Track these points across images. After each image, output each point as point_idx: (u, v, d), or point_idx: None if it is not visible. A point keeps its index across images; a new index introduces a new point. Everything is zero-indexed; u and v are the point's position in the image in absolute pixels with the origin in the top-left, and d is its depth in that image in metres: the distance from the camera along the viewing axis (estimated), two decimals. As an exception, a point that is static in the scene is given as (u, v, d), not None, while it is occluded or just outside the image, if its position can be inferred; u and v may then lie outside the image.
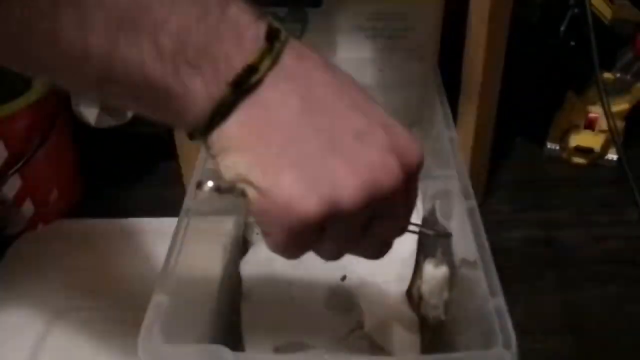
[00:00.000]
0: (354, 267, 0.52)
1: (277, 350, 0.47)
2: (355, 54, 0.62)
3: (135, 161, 0.75)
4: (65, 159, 0.68)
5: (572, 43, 0.68)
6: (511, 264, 0.61)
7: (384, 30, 0.61)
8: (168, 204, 0.51)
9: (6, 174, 0.59)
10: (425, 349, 0.47)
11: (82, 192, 0.70)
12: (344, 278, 0.52)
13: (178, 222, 0.42)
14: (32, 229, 0.65)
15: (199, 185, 0.30)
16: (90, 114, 0.66)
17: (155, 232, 0.63)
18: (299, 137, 0.28)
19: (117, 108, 0.68)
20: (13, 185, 0.61)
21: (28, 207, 0.63)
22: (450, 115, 0.52)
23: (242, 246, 0.57)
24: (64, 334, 0.53)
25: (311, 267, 0.51)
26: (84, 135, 0.69)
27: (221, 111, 0.28)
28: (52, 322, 0.54)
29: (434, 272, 0.48)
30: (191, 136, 0.30)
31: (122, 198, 0.70)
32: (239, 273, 0.53)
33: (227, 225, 0.55)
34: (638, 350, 0.53)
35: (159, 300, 0.36)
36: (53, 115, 0.62)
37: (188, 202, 0.44)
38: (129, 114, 0.69)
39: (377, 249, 0.34)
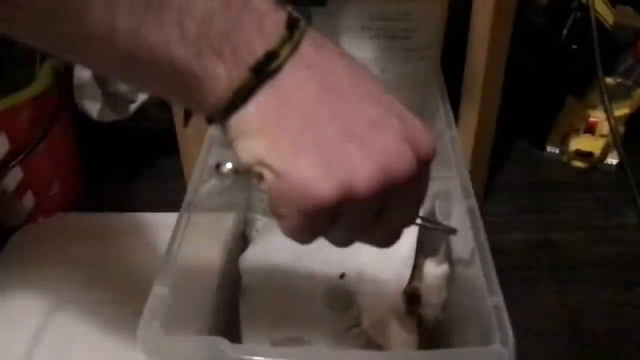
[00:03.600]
0: (353, 265, 0.52)
1: (275, 345, 0.47)
2: (358, 54, 0.60)
3: (136, 156, 0.75)
4: (67, 152, 0.68)
5: (574, 47, 0.68)
6: (510, 265, 0.61)
7: (388, 30, 0.61)
8: (169, 199, 0.51)
9: (7, 166, 0.59)
10: (423, 346, 0.47)
11: (83, 185, 0.71)
12: (342, 275, 0.52)
13: (178, 217, 0.42)
14: (33, 221, 0.65)
15: (218, 167, 0.30)
16: (92, 107, 0.67)
17: (156, 227, 0.63)
18: (316, 122, 0.29)
19: (120, 103, 0.68)
20: (14, 177, 0.61)
21: (29, 200, 0.64)
22: (451, 116, 0.53)
23: (241, 242, 0.57)
24: (63, 325, 0.53)
25: (310, 264, 0.52)
26: (85, 129, 0.69)
27: (241, 95, 0.28)
28: (51, 313, 0.54)
29: (435, 270, 0.48)
30: (210, 120, 0.30)
31: (122, 192, 0.70)
32: (238, 268, 0.53)
33: (227, 222, 0.55)
34: (634, 352, 0.53)
35: (159, 292, 0.36)
36: (55, 109, 0.62)
37: (189, 197, 0.44)
38: (132, 109, 0.69)
39: (387, 238, 0.35)
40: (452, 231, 0.42)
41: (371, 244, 0.35)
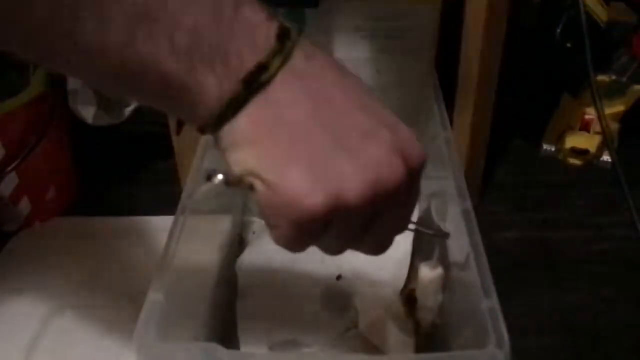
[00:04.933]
0: (349, 267, 0.52)
1: (272, 348, 0.47)
2: (352, 55, 0.62)
3: (131, 159, 0.75)
4: (62, 157, 0.68)
5: (568, 45, 0.68)
6: (505, 264, 0.61)
7: (381, 31, 0.61)
8: (164, 202, 0.51)
9: (3, 171, 0.59)
10: (420, 349, 0.47)
11: (79, 190, 0.70)
12: (339, 277, 0.52)
13: (174, 220, 0.42)
14: (29, 226, 0.65)
15: (209, 177, 0.30)
16: (87, 112, 0.66)
17: (152, 230, 0.63)
18: (307, 134, 0.29)
19: (114, 107, 0.68)
20: (10, 183, 0.61)
21: (25, 205, 0.63)
22: (446, 116, 0.53)
23: (238, 245, 0.57)
24: (60, 331, 0.53)
25: (307, 266, 0.52)
26: (80, 133, 0.69)
27: (232, 107, 0.29)
28: (48, 319, 0.54)
29: (430, 274, 0.48)
30: (202, 130, 0.30)
31: (118, 196, 0.70)
32: (235, 272, 0.53)
33: (224, 224, 0.55)
34: (630, 351, 0.53)
35: (155, 298, 0.36)
36: (50, 114, 0.62)
37: (184, 200, 0.44)
38: (126, 113, 0.69)
39: (378, 246, 0.35)
40: (445, 235, 0.43)
41: (363, 252, 0.35)
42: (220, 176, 0.30)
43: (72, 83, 0.65)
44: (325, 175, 0.29)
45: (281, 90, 0.29)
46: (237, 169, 0.30)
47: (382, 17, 0.60)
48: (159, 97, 0.29)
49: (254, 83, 0.28)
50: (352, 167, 0.29)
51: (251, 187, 0.30)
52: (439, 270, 0.47)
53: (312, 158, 0.29)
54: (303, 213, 0.29)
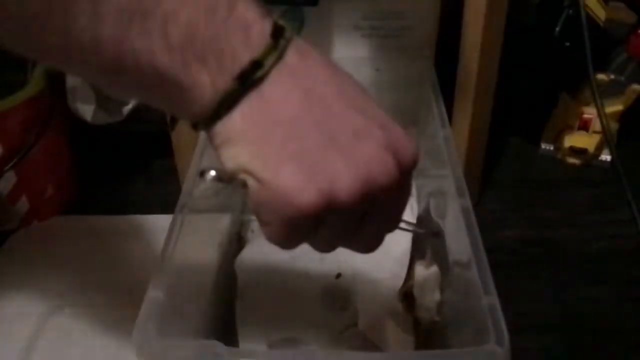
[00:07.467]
0: (349, 265, 0.52)
1: (271, 346, 0.47)
2: (351, 53, 0.62)
3: (130, 158, 0.75)
4: (61, 155, 0.68)
5: (567, 44, 0.68)
6: (504, 262, 0.61)
7: (381, 29, 0.61)
8: (163, 200, 0.51)
9: (1, 170, 0.59)
10: (419, 346, 0.47)
11: (78, 188, 0.70)
12: (338, 276, 0.52)
13: (173, 218, 0.42)
14: (27, 225, 0.65)
15: (202, 174, 0.30)
16: (86, 110, 0.66)
17: (151, 229, 0.63)
18: (299, 131, 0.29)
19: (113, 105, 0.68)
20: (8, 181, 0.60)
21: (23, 204, 0.63)
22: (445, 115, 0.53)
23: (237, 243, 0.57)
24: (58, 330, 0.53)
25: (306, 264, 0.52)
26: (79, 132, 0.69)
27: (226, 104, 0.29)
28: (46, 318, 0.54)
29: (425, 272, 0.48)
30: (195, 127, 0.30)
31: (117, 195, 0.70)
32: (234, 270, 0.53)
33: (223, 223, 0.55)
34: (630, 349, 0.53)
35: (154, 296, 0.36)
36: (49, 112, 0.62)
37: (183, 199, 0.44)
38: (125, 112, 0.69)
39: (369, 244, 0.35)
40: (437, 234, 0.43)
41: (354, 250, 0.35)
42: (212, 172, 0.30)
43: (71, 81, 0.65)
44: (317, 173, 0.29)
45: (275, 87, 0.29)
46: (229, 165, 0.30)
47: (381, 16, 0.60)
48: (153, 93, 0.29)
49: (247, 80, 0.28)
50: (344, 165, 0.29)
51: (244, 184, 0.30)
52: (434, 269, 0.47)
53: (305, 156, 0.29)
54: (295, 210, 0.29)
